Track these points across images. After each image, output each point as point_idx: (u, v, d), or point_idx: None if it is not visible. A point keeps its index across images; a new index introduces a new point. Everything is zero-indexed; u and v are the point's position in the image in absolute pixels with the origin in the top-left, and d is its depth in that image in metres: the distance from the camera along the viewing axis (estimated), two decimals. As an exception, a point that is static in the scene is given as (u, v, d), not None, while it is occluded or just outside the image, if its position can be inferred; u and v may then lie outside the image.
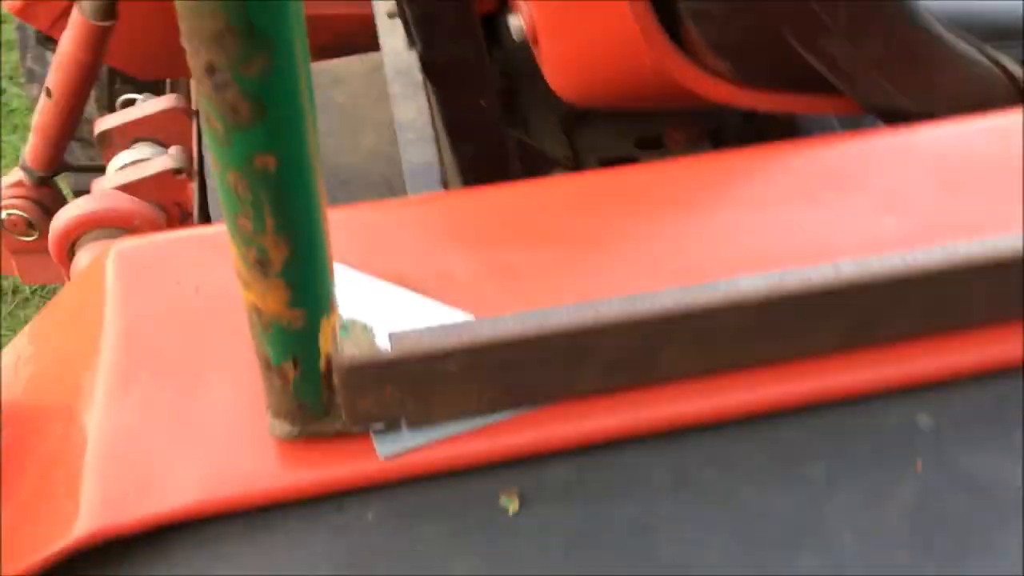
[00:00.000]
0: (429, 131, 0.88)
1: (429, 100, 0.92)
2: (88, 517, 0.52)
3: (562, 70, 0.87)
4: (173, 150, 1.17)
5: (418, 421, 0.56)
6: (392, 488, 0.56)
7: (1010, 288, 0.59)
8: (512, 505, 0.56)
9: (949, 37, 0.76)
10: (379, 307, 0.60)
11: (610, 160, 1.20)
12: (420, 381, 0.53)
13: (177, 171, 1.15)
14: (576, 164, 1.17)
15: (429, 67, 0.95)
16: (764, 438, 0.59)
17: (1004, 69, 0.81)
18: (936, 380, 0.61)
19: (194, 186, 1.16)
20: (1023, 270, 0.57)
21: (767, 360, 0.59)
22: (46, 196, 1.34)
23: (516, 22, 0.90)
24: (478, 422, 0.56)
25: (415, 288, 0.62)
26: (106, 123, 1.25)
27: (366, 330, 0.52)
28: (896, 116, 0.88)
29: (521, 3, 0.89)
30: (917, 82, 0.79)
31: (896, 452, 0.59)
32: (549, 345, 0.52)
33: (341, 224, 0.62)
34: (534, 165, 1.12)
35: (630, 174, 0.71)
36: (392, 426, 0.55)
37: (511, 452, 0.57)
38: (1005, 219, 0.66)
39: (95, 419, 0.57)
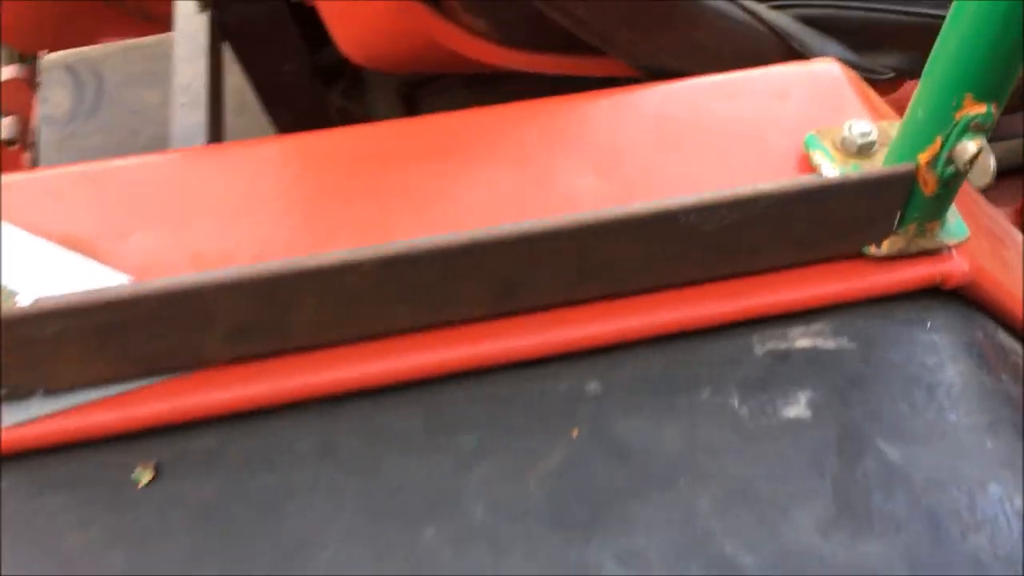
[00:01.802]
0: (203, 95, 0.86)
1: (213, 64, 0.90)
2: None
3: (341, 32, 0.85)
4: (7, 120, 1.16)
5: (51, 388, 0.54)
6: (25, 458, 0.55)
7: (677, 252, 0.56)
8: (144, 477, 0.54)
9: (701, -8, 0.74)
10: (39, 270, 0.59)
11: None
12: (26, 346, 0.51)
13: (10, 142, 1.14)
14: (413, 131, 1.14)
15: (224, 31, 0.93)
16: (422, 407, 0.57)
17: (768, 25, 0.78)
18: (604, 345, 0.59)
19: (27, 157, 1.14)
20: (683, 233, 0.55)
21: (419, 326, 0.57)
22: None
23: (292, -18, 0.88)
24: (111, 391, 0.55)
25: (88, 251, 0.61)
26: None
27: (-1, 294, 0.51)
28: (671, 77, 0.85)
29: (295, -37, 0.86)
30: (675, 41, 0.77)
31: (555, 420, 0.57)
32: (152, 309, 0.51)
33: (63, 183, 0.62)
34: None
35: (384, 129, 0.69)
36: (18, 393, 0.54)
37: (149, 421, 0.55)
38: (710, 178, 0.64)
39: None
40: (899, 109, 0.92)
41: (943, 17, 0.82)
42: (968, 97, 0.50)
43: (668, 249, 0.56)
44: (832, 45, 0.84)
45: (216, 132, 0.84)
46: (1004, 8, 0.46)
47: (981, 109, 0.50)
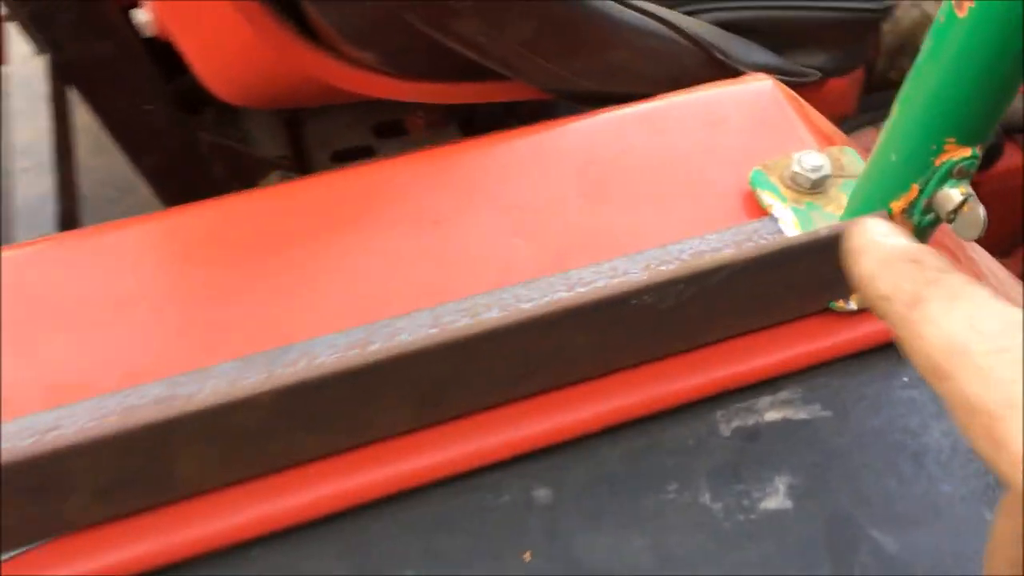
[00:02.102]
0: (48, 156, 0.73)
1: (57, 115, 0.77)
2: None
3: (205, 70, 0.74)
4: None
5: None
6: None
7: (630, 334, 0.48)
8: None
9: (614, 10, 0.65)
10: None
11: (345, 153, 1.07)
12: None
13: None
14: (301, 162, 1.04)
15: (67, 74, 0.80)
16: (346, 545, 0.48)
17: (689, 37, 0.70)
18: (552, 444, 0.50)
19: None
20: (636, 314, 0.47)
21: (331, 452, 0.47)
22: None
23: (143, 17, 0.76)
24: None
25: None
26: None
27: None
28: (590, 99, 0.77)
29: (144, -3, 0.74)
30: (589, 64, 0.68)
31: (503, 542, 0.48)
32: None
33: None
34: (243, 168, 0.98)
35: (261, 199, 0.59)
36: None
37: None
38: (650, 231, 0.56)
39: None
40: (822, 108, 0.86)
41: (868, 11, 0.76)
42: (950, 141, 0.43)
43: (620, 332, 0.48)
44: (755, 51, 0.77)
45: (69, 201, 0.72)
46: (998, 39, 0.39)
47: (965, 153, 0.44)
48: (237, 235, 0.55)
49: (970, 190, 0.44)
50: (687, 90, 0.63)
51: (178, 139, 0.90)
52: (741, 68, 0.75)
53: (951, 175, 0.44)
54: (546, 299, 0.52)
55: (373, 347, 0.50)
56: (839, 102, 1.21)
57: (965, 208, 0.44)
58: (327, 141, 1.08)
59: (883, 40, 1.19)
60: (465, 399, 0.48)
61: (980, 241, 1.60)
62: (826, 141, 0.61)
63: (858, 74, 1.30)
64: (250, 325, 0.52)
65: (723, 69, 0.75)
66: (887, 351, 0.54)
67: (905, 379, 0.54)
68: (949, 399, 0.27)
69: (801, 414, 0.53)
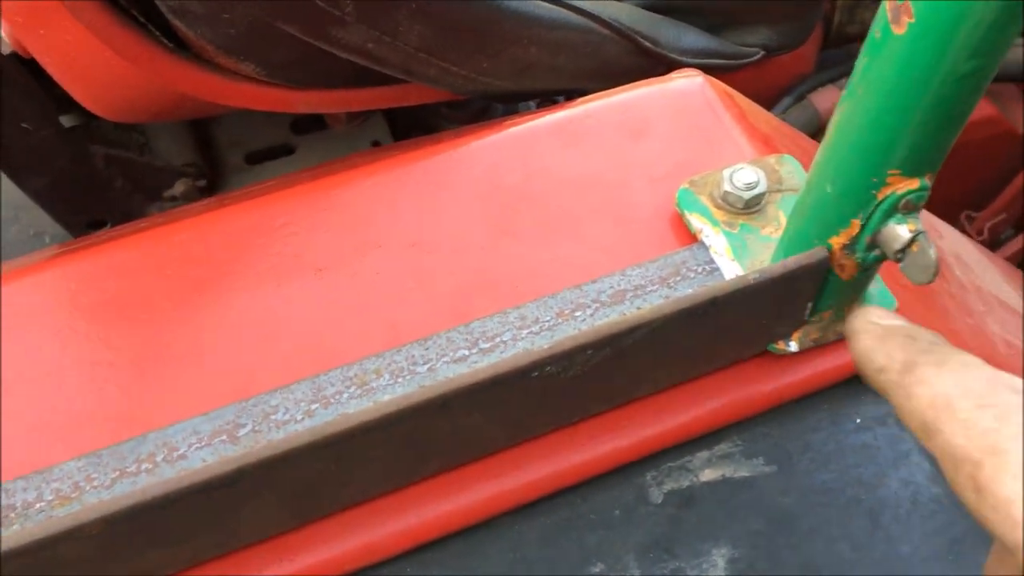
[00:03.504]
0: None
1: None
2: None
3: (72, 89, 0.65)
4: None
5: None
6: None
7: (537, 405, 0.42)
8: None
9: (519, 4, 0.57)
10: None
11: (261, 154, 0.99)
12: None
13: None
14: (212, 168, 0.95)
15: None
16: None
17: (609, 26, 0.63)
18: (457, 529, 0.44)
19: None
20: (541, 385, 0.40)
21: (189, 564, 0.41)
22: None
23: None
24: None
25: None
26: None
27: None
28: (509, 98, 0.70)
29: (-4, 8, 0.66)
30: (500, 64, 0.61)
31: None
32: None
33: None
34: (145, 180, 0.90)
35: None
36: None
37: None
38: (566, 270, 0.49)
39: None
40: (763, 85, 0.79)
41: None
42: (894, 173, 0.36)
43: (525, 404, 0.41)
44: (690, 34, 0.69)
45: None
46: (943, 58, 0.32)
47: (912, 185, 0.37)
48: (82, 298, 0.47)
49: (920, 227, 0.37)
50: (605, 93, 0.56)
51: (66, 156, 0.82)
52: (672, 55, 0.68)
53: (896, 210, 0.37)
54: (444, 359, 0.45)
55: (243, 431, 0.43)
56: (795, 63, 1.14)
57: (914, 247, 0.37)
58: (239, 142, 0.99)
59: (839, -8, 1.11)
60: (348, 494, 0.41)
61: (952, 194, 1.54)
62: (764, 144, 0.55)
63: (815, 33, 1.22)
64: (99, 408, 0.44)
65: (652, 58, 0.67)
66: (835, 392, 0.48)
67: (857, 420, 0.48)
68: (938, 453, 0.29)
69: (741, 471, 0.46)
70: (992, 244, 1.63)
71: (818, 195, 0.40)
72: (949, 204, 1.58)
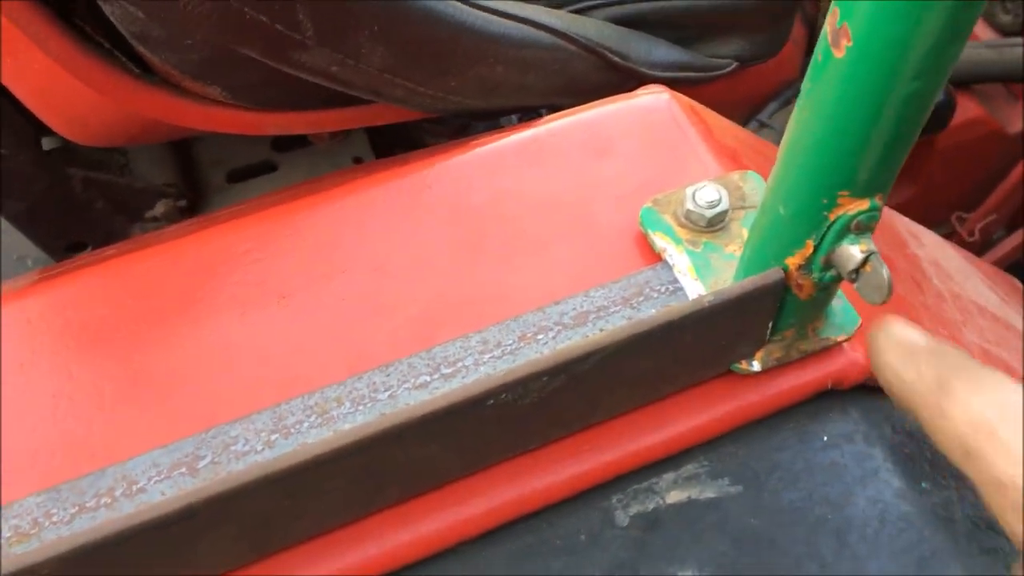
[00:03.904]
0: None
1: None
2: None
3: (43, 115, 0.65)
4: None
5: None
6: None
7: (495, 433, 0.41)
8: None
9: (483, 22, 0.57)
10: None
11: (242, 171, 0.99)
12: None
13: None
14: (193, 187, 0.95)
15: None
16: None
17: (576, 42, 0.62)
18: (419, 559, 0.44)
19: None
20: (497, 414, 0.40)
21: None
22: None
23: (-34, 60, 0.67)
24: None
25: None
26: None
27: None
28: (479, 116, 0.69)
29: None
30: (466, 83, 0.60)
31: None
32: None
33: None
34: (126, 201, 0.90)
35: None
36: None
37: None
38: (530, 292, 0.49)
39: None
40: (744, 93, 0.79)
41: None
42: (843, 194, 0.36)
43: (484, 432, 0.41)
44: (660, 47, 0.69)
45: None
46: (883, 81, 0.32)
47: (862, 206, 0.37)
48: (42, 329, 0.47)
49: (872, 247, 0.37)
50: (570, 112, 0.56)
51: (45, 181, 0.82)
52: (642, 69, 0.67)
53: (849, 230, 0.37)
54: (406, 386, 0.45)
55: (203, 463, 0.43)
56: (780, 69, 1.14)
57: (867, 268, 0.37)
58: (221, 160, 0.99)
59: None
60: (305, 526, 0.41)
61: (943, 196, 1.53)
62: (731, 160, 0.54)
63: (799, 36, 1.22)
64: (59, 441, 0.44)
65: (622, 72, 0.67)
66: (801, 410, 0.48)
67: (824, 438, 0.48)
68: (977, 476, 0.29)
69: (708, 492, 0.46)
70: (984, 245, 1.63)
71: (772, 216, 0.39)
72: (940, 206, 1.57)
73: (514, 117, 0.92)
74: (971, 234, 1.59)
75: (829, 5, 0.31)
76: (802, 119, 0.35)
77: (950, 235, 1.62)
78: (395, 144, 1.00)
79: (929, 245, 0.81)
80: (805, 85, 0.34)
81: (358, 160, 0.99)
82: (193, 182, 0.96)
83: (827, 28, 0.32)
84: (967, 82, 1.43)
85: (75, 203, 0.86)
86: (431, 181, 0.53)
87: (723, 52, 0.74)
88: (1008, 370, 0.66)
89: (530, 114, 0.84)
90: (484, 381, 0.38)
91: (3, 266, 0.95)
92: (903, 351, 0.34)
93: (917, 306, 0.61)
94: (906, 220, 0.81)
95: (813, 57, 0.33)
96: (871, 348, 0.36)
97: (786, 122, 1.10)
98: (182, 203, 0.93)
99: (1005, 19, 1.51)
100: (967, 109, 1.42)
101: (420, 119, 0.86)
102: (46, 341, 0.47)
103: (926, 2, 0.29)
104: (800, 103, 0.35)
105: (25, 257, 0.97)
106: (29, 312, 0.48)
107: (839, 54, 0.32)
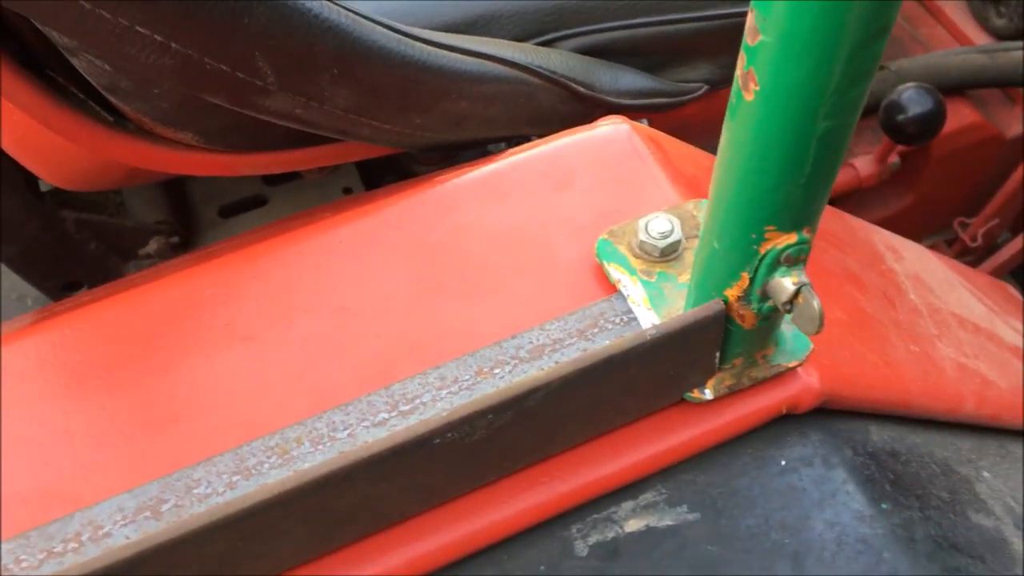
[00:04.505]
0: None
1: None
2: None
3: (29, 164, 0.67)
4: None
5: None
6: None
7: (446, 470, 0.42)
8: None
9: (444, 60, 0.58)
10: None
11: (234, 206, 1.01)
12: None
13: None
14: (186, 224, 0.97)
15: None
16: None
17: (540, 75, 0.63)
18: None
19: None
20: (447, 451, 0.40)
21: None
22: None
23: (-49, 112, 0.69)
24: None
25: None
26: None
27: None
28: (447, 148, 0.71)
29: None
30: (432, 120, 0.62)
31: None
32: None
33: None
34: (120, 240, 0.92)
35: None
36: None
37: None
38: (490, 326, 0.50)
39: None
40: (714, 115, 0.79)
41: (745, 13, 0.69)
42: (770, 229, 0.37)
43: (435, 470, 0.42)
44: (626, 75, 0.70)
45: None
46: (791, 122, 0.32)
47: (790, 239, 0.37)
48: (12, 376, 0.49)
49: (804, 279, 0.38)
50: (530, 145, 0.57)
51: (37, 224, 0.84)
52: (609, 99, 0.68)
53: (779, 262, 0.38)
54: (364, 424, 0.46)
55: (166, 507, 0.44)
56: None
57: (799, 299, 0.38)
58: (213, 196, 1.01)
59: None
60: (263, 567, 0.42)
61: (944, 202, 1.52)
62: (689, 188, 0.55)
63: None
64: (30, 486, 0.46)
65: (588, 102, 0.68)
66: (759, 435, 0.48)
67: (782, 463, 0.48)
68: None
69: (666, 520, 0.47)
70: (988, 250, 1.62)
71: (709, 250, 0.40)
72: (940, 212, 1.57)
73: (503, 144, 0.93)
74: (974, 239, 1.59)
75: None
76: (725, 158, 0.36)
77: (953, 241, 1.61)
78: (384, 174, 1.01)
79: (909, 259, 0.81)
80: (725, 125, 0.35)
81: (348, 191, 1.01)
82: (186, 219, 0.98)
83: (737, 72, 0.33)
84: (962, 88, 1.43)
85: (68, 245, 0.88)
86: (392, 219, 0.54)
87: (692, 76, 0.75)
88: (984, 382, 0.66)
89: (518, 139, 0.86)
90: (430, 421, 0.39)
91: (4, 307, 0.97)
92: None
93: (886, 323, 0.61)
94: (886, 234, 0.81)
95: (729, 98, 0.34)
96: None
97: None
98: (175, 240, 0.95)
99: (999, 23, 1.51)
100: (963, 115, 1.42)
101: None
102: (18, 386, 0.49)
103: (824, 48, 0.30)
104: (722, 143, 0.36)
105: (25, 296, 0.99)
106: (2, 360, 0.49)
107: (749, 97, 0.32)
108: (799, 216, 0.36)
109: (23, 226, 0.83)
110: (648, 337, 0.41)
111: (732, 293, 0.41)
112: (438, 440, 0.40)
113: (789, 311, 0.39)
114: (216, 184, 1.01)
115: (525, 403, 0.40)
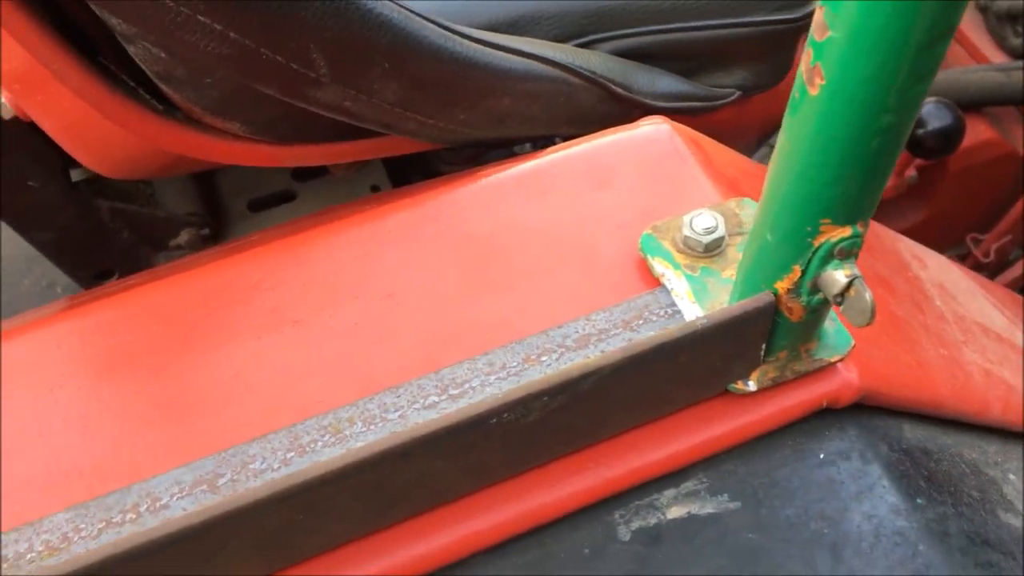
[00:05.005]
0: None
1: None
2: None
3: (73, 151, 0.69)
4: None
5: None
6: None
7: (500, 450, 0.43)
8: None
9: (490, 57, 0.60)
10: None
11: (263, 200, 1.02)
12: None
13: None
14: (216, 216, 0.98)
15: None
16: None
17: (580, 75, 0.65)
18: (429, 572, 0.46)
19: None
20: (502, 431, 0.42)
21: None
22: None
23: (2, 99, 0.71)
24: None
25: None
26: None
27: None
28: (487, 146, 0.72)
29: (-3, 76, 0.69)
30: (475, 116, 0.63)
31: None
32: None
33: None
34: (151, 230, 0.93)
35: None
36: None
37: None
38: (535, 318, 0.51)
39: None
40: (747, 122, 0.81)
41: (786, 21, 0.70)
42: (826, 222, 0.38)
43: (489, 449, 0.43)
44: (663, 79, 0.71)
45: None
46: (855, 116, 0.34)
47: (844, 233, 0.38)
48: (71, 355, 0.50)
49: (856, 272, 0.39)
50: (572, 143, 0.58)
51: (72, 211, 0.85)
52: (646, 100, 0.70)
53: (832, 256, 0.39)
54: (415, 406, 0.47)
55: (223, 481, 0.45)
56: (783, 98, 1.15)
57: (851, 292, 0.39)
58: (242, 190, 1.02)
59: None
60: (318, 540, 0.43)
61: (957, 218, 1.53)
62: (729, 188, 0.56)
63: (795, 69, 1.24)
64: (88, 461, 0.47)
65: (626, 103, 0.69)
66: (799, 428, 0.50)
67: (821, 456, 0.49)
68: None
69: (707, 508, 0.48)
70: (1000, 266, 1.63)
71: (761, 243, 0.41)
72: (954, 227, 1.58)
73: (528, 144, 0.94)
74: (986, 255, 1.60)
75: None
76: (784, 152, 0.37)
77: (965, 256, 1.62)
78: (411, 173, 1.02)
79: (933, 267, 0.82)
80: (785, 120, 0.36)
81: (375, 188, 1.02)
82: (216, 211, 0.99)
83: (802, 67, 0.34)
84: (978, 105, 1.44)
85: (102, 233, 0.89)
86: (438, 212, 0.55)
87: (726, 82, 0.76)
88: (1008, 388, 0.67)
89: (543, 142, 0.87)
90: (487, 401, 0.40)
91: (35, 294, 0.99)
92: None
93: (916, 326, 0.62)
94: (910, 243, 0.83)
95: (792, 93, 0.36)
96: None
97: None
98: (205, 232, 0.96)
99: (1016, 42, 1.52)
100: (979, 131, 1.43)
101: (436, 148, 0.89)
102: (75, 366, 0.50)
103: (892, 46, 0.31)
104: (781, 137, 0.37)
105: (55, 284, 1.00)
106: (59, 338, 0.51)
107: (814, 92, 0.34)
108: (855, 210, 0.38)
109: (59, 213, 0.84)
110: (699, 326, 0.42)
111: (782, 286, 0.42)
112: (495, 420, 0.41)
113: (839, 303, 0.40)
114: (246, 178, 1.03)
115: (579, 387, 0.42)
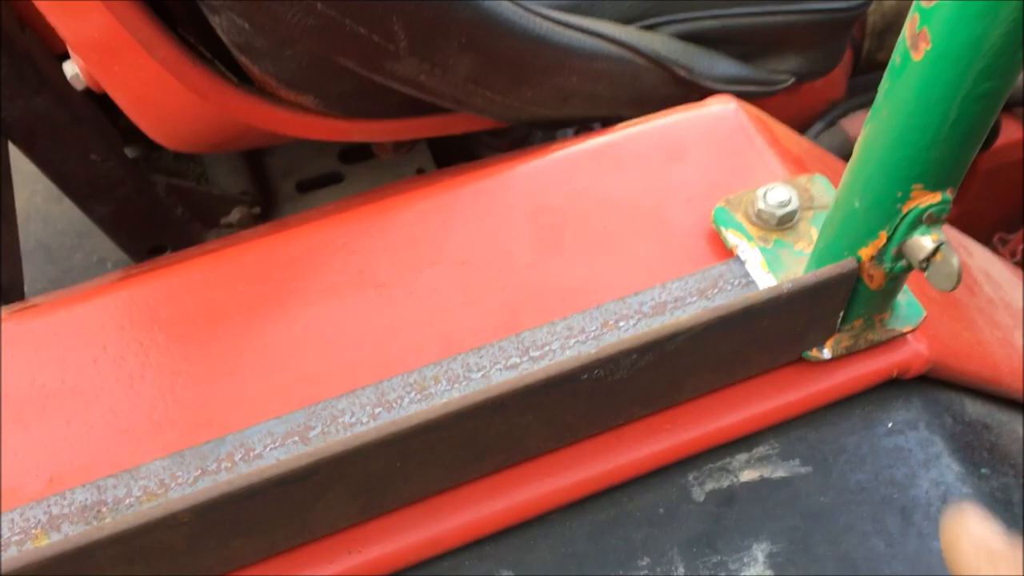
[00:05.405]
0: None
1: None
2: None
3: (142, 123, 0.70)
4: None
5: None
6: None
7: (586, 407, 0.45)
8: None
9: (561, 36, 0.61)
10: None
11: (311, 182, 1.04)
12: None
13: None
14: (265, 196, 1.00)
15: (5, 130, 0.76)
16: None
17: (645, 56, 0.66)
18: (512, 524, 0.47)
19: None
20: (590, 388, 0.43)
21: (265, 556, 0.44)
22: None
23: (72, 70, 0.72)
24: None
25: None
26: None
27: None
28: (548, 125, 0.73)
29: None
30: (542, 93, 0.64)
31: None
32: None
33: None
34: (204, 207, 0.95)
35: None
36: None
37: None
38: (609, 283, 0.52)
39: None
40: (796, 110, 0.82)
41: (841, 10, 0.71)
42: (918, 187, 0.39)
43: (574, 405, 0.44)
44: (722, 62, 0.72)
45: (13, 271, 0.69)
46: (959, 82, 0.35)
47: (934, 199, 0.40)
48: (161, 313, 0.51)
49: (943, 237, 0.40)
50: (643, 119, 0.59)
51: (130, 186, 0.87)
52: (706, 83, 0.71)
53: (920, 222, 0.40)
54: (497, 367, 0.49)
55: (313, 433, 0.47)
56: (826, 89, 1.17)
57: (937, 257, 0.40)
58: (291, 171, 1.04)
59: (868, 20, 1.14)
60: (410, 490, 0.44)
61: (984, 216, 1.54)
62: (796, 165, 0.58)
63: (845, 58, 1.25)
64: (180, 413, 0.48)
65: (687, 85, 0.71)
66: (867, 398, 0.51)
67: (889, 424, 0.51)
68: None
69: (779, 472, 0.49)
70: (1026, 266, 1.64)
71: (847, 210, 0.43)
72: (982, 226, 1.59)
73: (570, 131, 0.96)
74: (1013, 255, 1.61)
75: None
76: (880, 117, 0.38)
77: (992, 256, 1.63)
78: (455, 157, 1.04)
79: (978, 256, 0.83)
80: (883, 86, 0.38)
81: (421, 171, 1.04)
82: (266, 191, 1.01)
83: (906, 32, 0.35)
84: (1009, 104, 1.45)
85: (157, 208, 0.91)
86: (510, 182, 0.57)
87: (781, 67, 0.77)
88: (1059, 373, 0.68)
89: (586, 127, 0.88)
90: (579, 357, 0.41)
91: (86, 267, 1.00)
92: (983, 554, 0.35)
93: (972, 309, 0.63)
94: (954, 231, 0.84)
95: (891, 60, 0.37)
96: (946, 546, 0.36)
97: (831, 142, 1.13)
98: (256, 210, 0.97)
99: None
100: (1009, 131, 1.44)
101: (480, 132, 0.90)
102: (166, 324, 0.51)
103: (1002, 3, 0.32)
104: (877, 103, 0.38)
105: (105, 260, 1.02)
106: (149, 298, 0.52)
107: (917, 56, 0.35)
108: (947, 176, 0.39)
109: (118, 187, 0.86)
110: (784, 290, 0.43)
111: (866, 252, 0.43)
112: (585, 376, 0.42)
113: (924, 269, 0.41)
114: (294, 160, 1.04)
115: (666, 347, 0.43)
